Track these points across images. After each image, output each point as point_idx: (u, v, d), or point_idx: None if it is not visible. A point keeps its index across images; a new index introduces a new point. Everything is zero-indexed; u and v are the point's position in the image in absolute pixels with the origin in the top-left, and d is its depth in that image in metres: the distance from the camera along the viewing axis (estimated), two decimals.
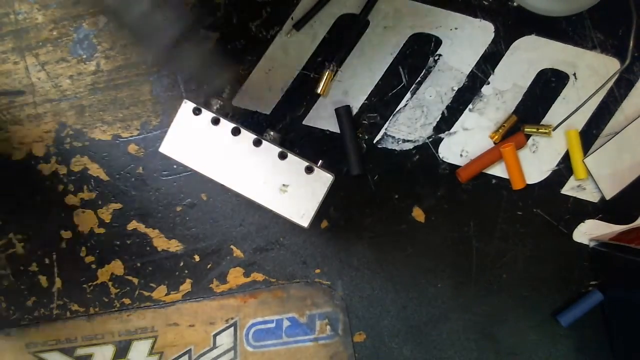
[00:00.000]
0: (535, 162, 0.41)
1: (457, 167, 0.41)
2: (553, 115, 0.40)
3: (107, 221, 0.41)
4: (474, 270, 0.41)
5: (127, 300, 0.41)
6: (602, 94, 0.40)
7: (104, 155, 0.40)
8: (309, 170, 0.28)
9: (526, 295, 0.41)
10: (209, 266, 0.41)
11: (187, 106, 0.29)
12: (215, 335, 0.41)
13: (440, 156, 0.41)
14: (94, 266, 0.41)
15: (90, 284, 0.41)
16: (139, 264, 0.41)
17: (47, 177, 0.40)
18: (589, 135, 0.41)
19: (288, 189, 0.28)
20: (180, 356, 0.41)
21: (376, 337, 0.41)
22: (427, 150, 0.41)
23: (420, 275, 0.41)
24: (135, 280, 0.41)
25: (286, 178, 0.28)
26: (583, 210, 0.41)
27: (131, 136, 0.40)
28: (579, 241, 0.41)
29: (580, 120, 0.41)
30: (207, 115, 0.28)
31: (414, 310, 0.41)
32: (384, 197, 0.41)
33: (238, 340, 0.41)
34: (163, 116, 0.40)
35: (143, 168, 0.41)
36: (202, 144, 0.29)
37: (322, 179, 0.28)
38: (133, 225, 0.41)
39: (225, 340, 0.41)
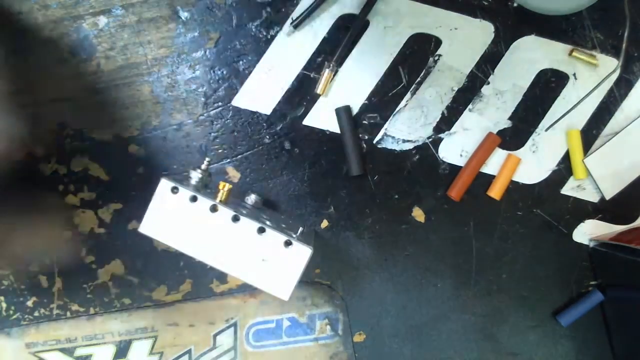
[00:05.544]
0: (535, 162, 0.41)
1: (457, 167, 0.41)
2: (553, 115, 0.40)
3: (107, 221, 0.41)
4: (474, 270, 0.41)
5: (127, 300, 0.41)
6: (602, 93, 0.40)
7: (104, 155, 0.40)
8: (287, 244, 0.29)
9: (526, 295, 0.41)
10: (209, 266, 0.41)
11: (165, 185, 0.29)
12: (215, 335, 0.41)
13: (440, 156, 0.41)
14: (94, 266, 0.41)
15: (90, 284, 0.41)
16: (139, 264, 0.41)
17: (47, 177, 0.40)
18: (589, 135, 0.41)
19: (267, 263, 0.29)
20: (180, 356, 0.41)
21: (376, 337, 0.41)
22: (427, 150, 0.41)
23: (420, 275, 0.41)
24: (135, 280, 0.41)
25: (265, 253, 0.29)
26: (583, 210, 0.41)
27: (131, 136, 0.40)
28: (579, 241, 0.41)
29: (580, 120, 0.41)
30: (184, 193, 0.29)
31: (414, 310, 0.41)
32: (384, 197, 0.41)
33: (238, 340, 0.41)
34: (163, 116, 0.40)
35: (143, 168, 0.41)
36: (181, 221, 0.29)
37: (301, 253, 0.29)
38: (133, 225, 0.41)
39: (225, 340, 0.41)
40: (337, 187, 0.41)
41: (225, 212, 0.29)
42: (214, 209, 0.29)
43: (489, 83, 0.40)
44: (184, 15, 0.40)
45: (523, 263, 0.41)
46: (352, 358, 0.41)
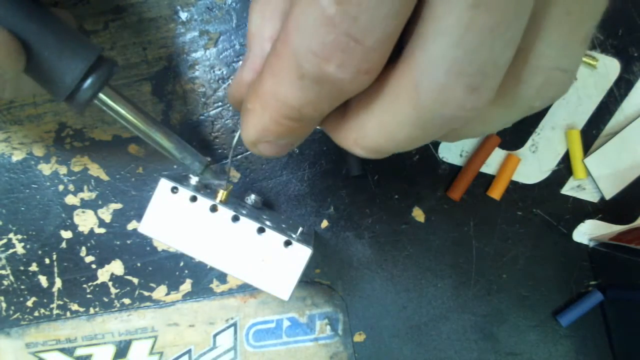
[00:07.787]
0: (535, 162, 0.41)
1: (457, 167, 0.41)
2: (552, 115, 0.40)
3: (107, 221, 0.41)
4: (474, 270, 0.41)
5: (127, 300, 0.41)
6: (602, 93, 0.40)
7: (104, 155, 0.40)
8: (287, 244, 0.29)
9: (526, 295, 0.41)
10: (208, 266, 0.41)
11: (165, 184, 0.29)
12: (215, 335, 0.41)
13: (440, 156, 0.41)
14: (94, 266, 0.41)
15: (90, 284, 0.41)
16: (139, 264, 0.41)
17: (47, 177, 0.41)
18: (589, 135, 0.41)
19: (267, 263, 0.29)
20: (180, 356, 0.41)
21: (376, 337, 0.41)
22: (427, 150, 0.41)
23: (420, 275, 0.41)
24: (135, 280, 0.41)
25: (265, 253, 0.29)
26: (583, 210, 0.41)
27: (131, 136, 0.40)
28: (579, 241, 0.41)
29: (581, 120, 0.41)
30: (184, 193, 0.29)
31: (414, 310, 0.41)
32: (384, 197, 0.41)
33: (238, 341, 0.41)
34: (163, 117, 0.40)
35: (143, 168, 0.41)
36: (181, 221, 0.29)
37: (301, 253, 0.29)
38: (133, 225, 0.41)
39: (225, 340, 0.41)
40: (337, 187, 0.41)
41: (225, 212, 0.29)
42: (213, 209, 0.29)
43: None
44: (184, 15, 0.40)
45: (523, 263, 0.41)
46: (352, 358, 0.41)
